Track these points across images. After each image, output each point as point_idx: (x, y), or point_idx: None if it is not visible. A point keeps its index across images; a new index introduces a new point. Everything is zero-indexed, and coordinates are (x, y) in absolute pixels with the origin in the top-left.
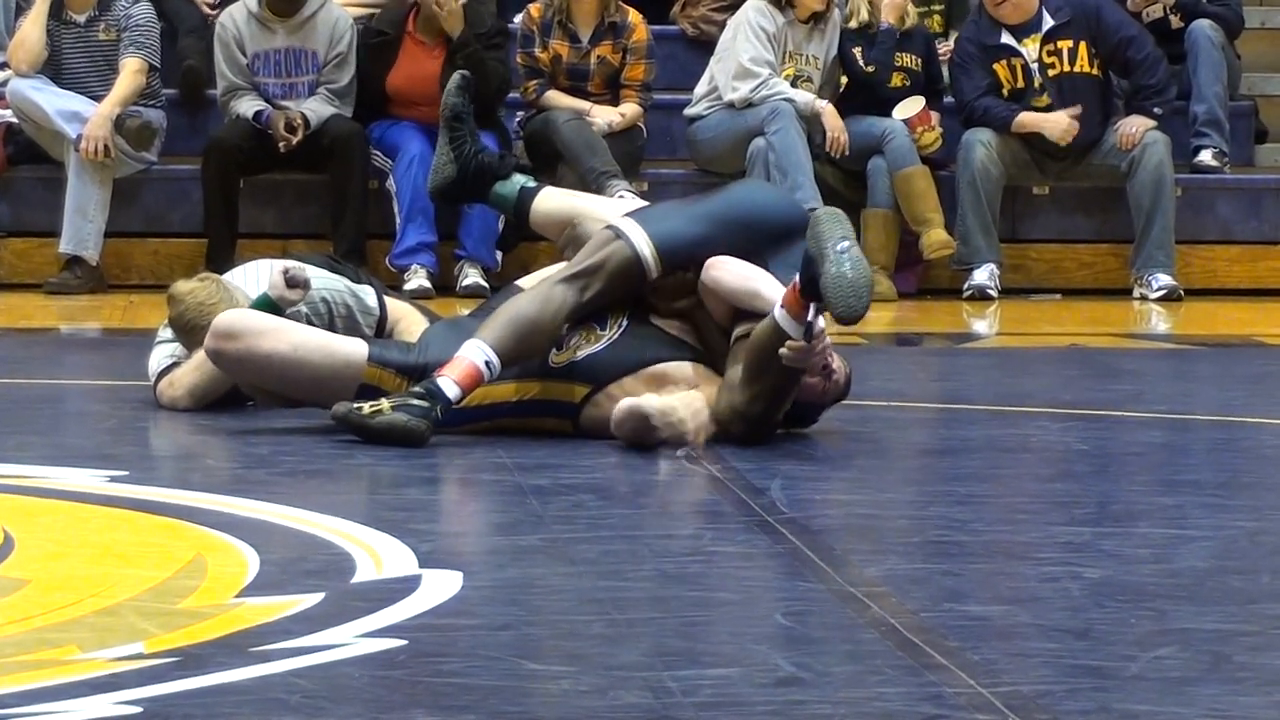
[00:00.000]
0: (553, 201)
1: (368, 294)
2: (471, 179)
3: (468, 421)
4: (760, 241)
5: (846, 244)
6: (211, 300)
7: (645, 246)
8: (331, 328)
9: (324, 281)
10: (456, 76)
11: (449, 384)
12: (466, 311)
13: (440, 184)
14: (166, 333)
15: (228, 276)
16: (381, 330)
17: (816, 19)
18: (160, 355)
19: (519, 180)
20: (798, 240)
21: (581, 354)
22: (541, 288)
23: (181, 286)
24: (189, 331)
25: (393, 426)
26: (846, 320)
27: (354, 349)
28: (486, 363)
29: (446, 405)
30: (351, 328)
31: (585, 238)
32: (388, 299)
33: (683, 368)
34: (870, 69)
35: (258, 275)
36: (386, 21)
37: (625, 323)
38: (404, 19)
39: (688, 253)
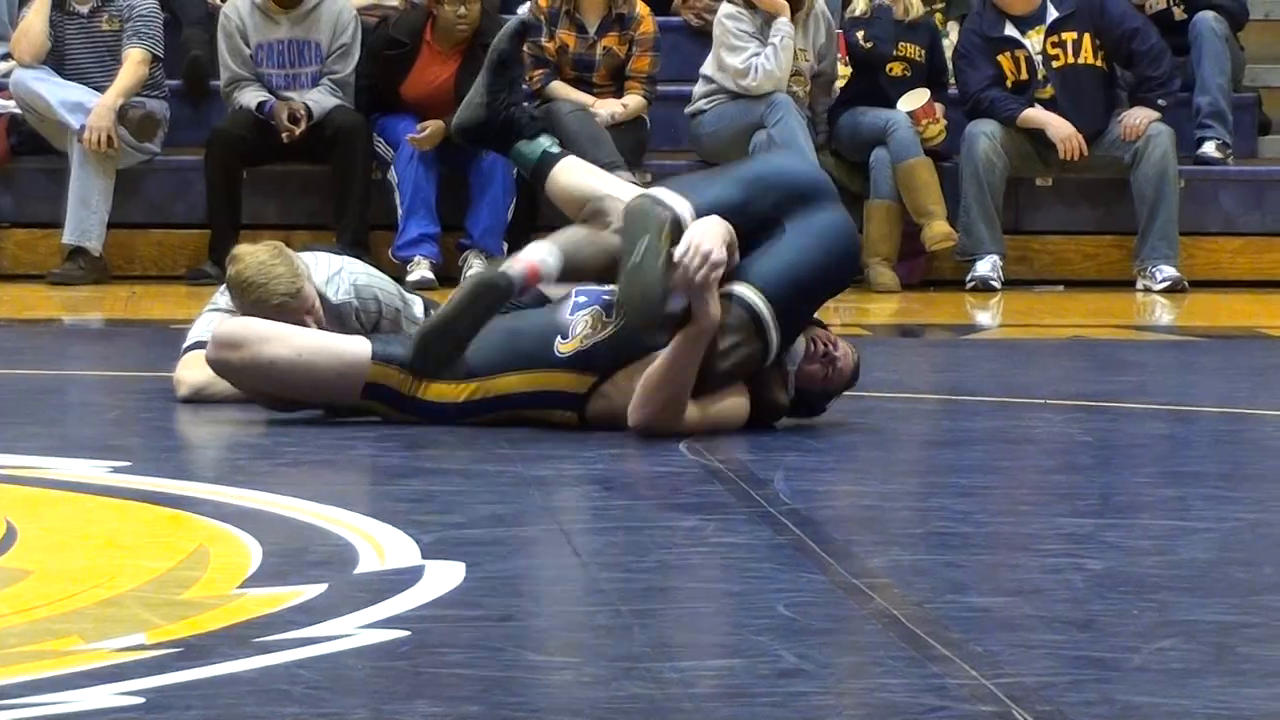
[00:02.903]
0: (572, 176)
1: (416, 304)
2: (498, 129)
3: (475, 414)
4: (783, 204)
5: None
6: (273, 261)
7: (688, 215)
8: (376, 329)
9: (379, 282)
10: (513, 22)
11: (510, 265)
12: None
13: (466, 123)
14: (222, 299)
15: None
16: None
17: (794, 8)
18: (204, 325)
19: (544, 143)
20: (818, 203)
21: (589, 343)
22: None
23: (244, 247)
24: (243, 290)
25: (472, 283)
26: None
27: (358, 348)
28: (545, 260)
29: (507, 281)
30: (392, 333)
31: (607, 214)
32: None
33: None
34: (868, 45)
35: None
36: (404, 30)
37: None
38: (421, 27)
39: (729, 218)
